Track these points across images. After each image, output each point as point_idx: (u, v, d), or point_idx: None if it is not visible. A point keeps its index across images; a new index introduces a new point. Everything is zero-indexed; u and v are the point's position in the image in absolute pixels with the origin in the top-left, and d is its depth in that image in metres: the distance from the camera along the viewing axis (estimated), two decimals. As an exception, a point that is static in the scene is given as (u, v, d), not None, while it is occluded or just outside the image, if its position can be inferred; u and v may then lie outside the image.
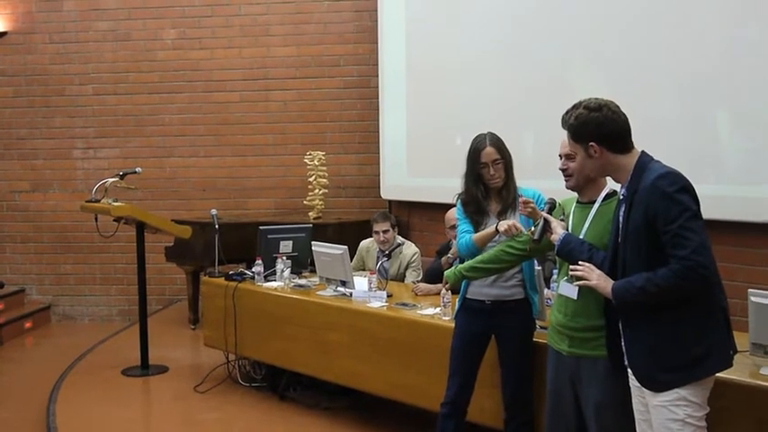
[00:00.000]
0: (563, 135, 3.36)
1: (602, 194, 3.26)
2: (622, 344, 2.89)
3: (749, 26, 5.12)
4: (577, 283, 3.05)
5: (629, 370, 2.88)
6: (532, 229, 3.50)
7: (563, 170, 3.26)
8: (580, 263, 3.01)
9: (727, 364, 2.76)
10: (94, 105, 8.77)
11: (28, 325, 8.40)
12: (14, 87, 8.84)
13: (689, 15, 5.36)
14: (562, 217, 3.37)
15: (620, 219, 2.86)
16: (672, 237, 2.64)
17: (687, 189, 2.70)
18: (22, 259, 8.95)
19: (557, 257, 3.43)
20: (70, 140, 8.82)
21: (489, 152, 3.82)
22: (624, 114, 2.89)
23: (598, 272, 2.91)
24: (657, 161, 2.83)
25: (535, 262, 4.00)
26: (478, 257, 3.75)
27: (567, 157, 3.22)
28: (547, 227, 3.27)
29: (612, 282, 2.84)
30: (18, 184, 8.93)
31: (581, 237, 3.20)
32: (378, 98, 8.05)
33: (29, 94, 8.83)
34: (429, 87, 7.42)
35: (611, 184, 3.27)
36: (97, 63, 8.73)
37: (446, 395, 3.92)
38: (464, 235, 3.89)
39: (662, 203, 2.66)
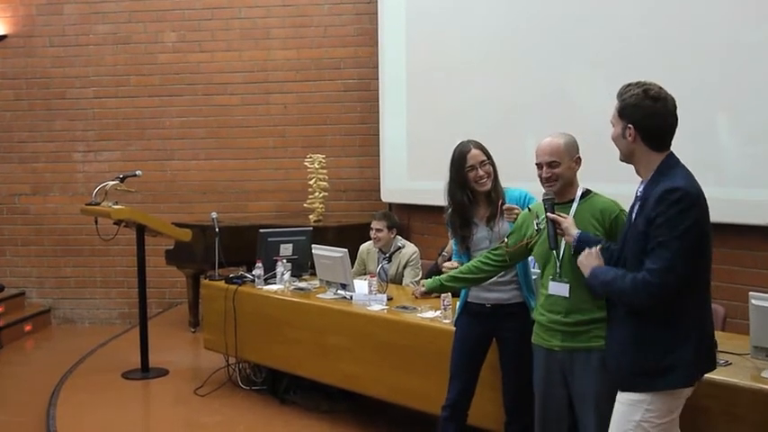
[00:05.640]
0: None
1: (579, 193, 3.32)
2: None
3: (750, 30, 5.12)
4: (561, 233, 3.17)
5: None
6: (506, 240, 3.55)
7: (547, 178, 3.30)
8: (561, 215, 3.16)
9: (689, 383, 2.74)
10: (95, 108, 8.77)
11: (28, 328, 8.39)
12: (15, 90, 8.84)
13: (690, 20, 5.37)
14: (537, 221, 3.39)
15: (632, 217, 2.85)
16: (651, 248, 2.66)
17: (690, 206, 2.65)
18: (23, 262, 8.94)
19: (536, 260, 3.47)
20: (71, 143, 8.82)
21: (475, 154, 3.83)
22: (676, 116, 2.81)
23: (597, 253, 2.94)
24: (681, 168, 2.78)
25: (535, 264, 4.00)
26: (459, 269, 3.82)
27: (550, 165, 3.29)
28: (557, 228, 3.21)
29: (597, 263, 2.91)
30: (18, 187, 8.92)
31: (563, 240, 3.23)
32: (378, 101, 8.05)
33: (29, 98, 8.83)
34: (429, 90, 7.42)
35: (582, 183, 3.35)
36: (97, 66, 8.73)
37: (447, 398, 3.92)
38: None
39: (663, 214, 2.63)
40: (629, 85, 2.85)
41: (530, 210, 3.52)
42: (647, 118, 2.76)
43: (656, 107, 2.77)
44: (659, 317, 2.70)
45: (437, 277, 3.90)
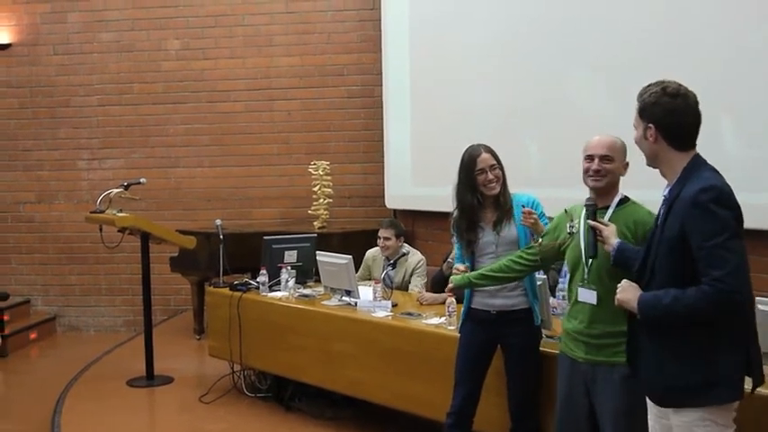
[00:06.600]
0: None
1: (616, 200, 3.26)
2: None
3: (752, 31, 5.11)
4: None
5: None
6: (540, 240, 3.53)
7: (597, 171, 3.22)
8: (603, 222, 3.05)
9: (737, 396, 2.59)
10: (99, 116, 8.79)
11: (33, 336, 8.40)
12: (19, 99, 8.87)
13: (691, 23, 5.36)
14: (571, 224, 3.34)
15: (658, 220, 2.72)
16: (707, 254, 2.49)
17: (730, 206, 2.55)
18: (28, 270, 8.95)
19: (567, 264, 3.43)
20: (75, 151, 8.84)
21: (486, 158, 3.83)
22: (699, 113, 2.70)
23: (628, 282, 2.76)
24: (709, 168, 2.66)
25: (541, 270, 3.99)
26: (488, 266, 3.76)
27: (603, 158, 3.22)
28: (599, 236, 3.11)
29: (640, 293, 2.68)
30: (23, 195, 8.94)
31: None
32: (382, 107, 8.05)
33: (34, 106, 8.86)
34: (433, 96, 7.42)
35: (622, 190, 3.30)
36: (101, 74, 8.75)
37: (452, 405, 3.91)
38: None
39: (701, 218, 2.51)
40: (649, 85, 2.76)
41: (566, 211, 3.46)
42: (667, 115, 2.66)
43: (675, 103, 2.67)
44: (701, 327, 2.55)
45: (466, 274, 3.81)
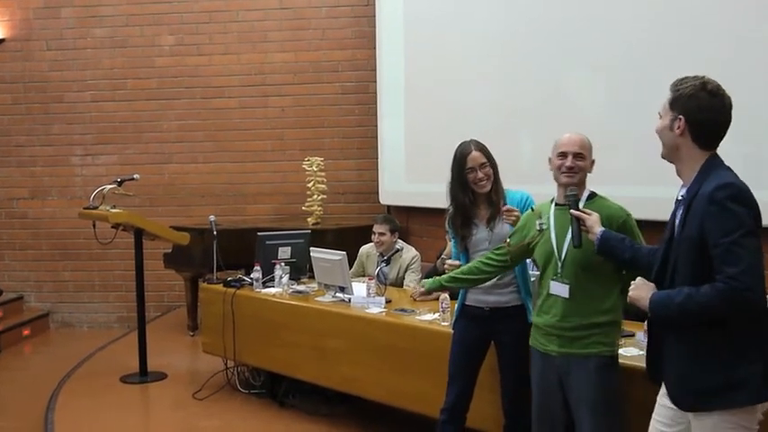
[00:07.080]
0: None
1: (585, 195, 3.32)
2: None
3: (753, 32, 5.11)
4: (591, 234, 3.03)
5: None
6: (509, 240, 3.54)
7: (570, 168, 3.27)
8: (586, 211, 3.06)
9: (760, 398, 2.53)
10: (93, 112, 8.77)
11: (26, 332, 8.38)
12: (13, 94, 8.84)
13: (693, 22, 5.36)
14: (540, 221, 3.38)
15: (676, 221, 2.66)
16: (722, 252, 2.45)
17: (747, 203, 2.51)
18: (21, 266, 8.93)
19: (537, 260, 3.45)
20: (68, 147, 8.81)
21: (476, 156, 3.82)
22: (730, 117, 2.65)
23: (642, 280, 2.72)
24: (726, 168, 2.63)
25: (534, 267, 4.00)
26: (459, 269, 3.80)
27: (577, 156, 3.28)
28: (582, 225, 3.11)
29: (653, 292, 2.64)
30: (16, 191, 8.92)
31: (566, 240, 3.22)
32: (376, 104, 8.05)
33: (27, 101, 8.83)
34: (427, 92, 7.42)
35: (589, 186, 3.36)
36: (95, 70, 8.73)
37: (445, 401, 3.92)
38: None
39: (717, 215, 2.48)
40: (686, 77, 2.70)
41: (533, 210, 3.51)
42: (701, 111, 2.61)
43: (712, 101, 2.62)
44: (719, 329, 2.51)
45: (437, 278, 3.90)
